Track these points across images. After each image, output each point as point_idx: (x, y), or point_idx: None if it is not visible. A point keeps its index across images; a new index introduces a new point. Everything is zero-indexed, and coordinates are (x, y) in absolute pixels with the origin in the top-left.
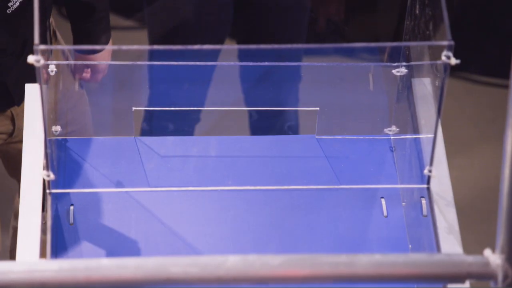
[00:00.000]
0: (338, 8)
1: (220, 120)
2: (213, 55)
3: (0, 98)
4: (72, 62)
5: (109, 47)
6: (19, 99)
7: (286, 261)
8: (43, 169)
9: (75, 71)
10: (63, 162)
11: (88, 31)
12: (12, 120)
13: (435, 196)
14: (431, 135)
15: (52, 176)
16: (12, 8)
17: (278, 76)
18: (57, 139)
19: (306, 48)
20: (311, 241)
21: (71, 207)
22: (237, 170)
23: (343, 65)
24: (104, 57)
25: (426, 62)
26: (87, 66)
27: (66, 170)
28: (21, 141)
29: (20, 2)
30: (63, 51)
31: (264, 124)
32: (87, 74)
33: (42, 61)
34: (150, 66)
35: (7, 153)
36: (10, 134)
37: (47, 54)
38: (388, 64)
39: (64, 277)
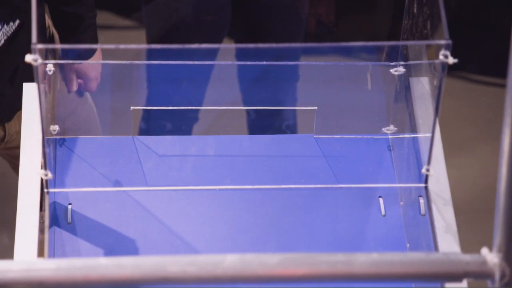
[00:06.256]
0: (328, 9)
1: (218, 119)
2: (211, 54)
3: None
4: (70, 61)
5: (107, 46)
6: (11, 117)
7: (284, 260)
8: (41, 168)
9: (67, 81)
10: (61, 161)
11: (76, 40)
12: (3, 126)
13: (433, 195)
14: (429, 134)
15: (50, 175)
16: None
17: (276, 75)
18: (55, 138)
19: (304, 47)
20: (309, 240)
21: (69, 206)
22: (235, 169)
23: (341, 64)
24: (94, 65)
25: (424, 61)
26: (78, 76)
27: (64, 169)
28: (16, 147)
29: (4, 40)
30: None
31: (262, 123)
32: (80, 83)
33: (39, 60)
34: (148, 66)
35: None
36: (1, 140)
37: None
38: (386, 63)
39: (62, 276)
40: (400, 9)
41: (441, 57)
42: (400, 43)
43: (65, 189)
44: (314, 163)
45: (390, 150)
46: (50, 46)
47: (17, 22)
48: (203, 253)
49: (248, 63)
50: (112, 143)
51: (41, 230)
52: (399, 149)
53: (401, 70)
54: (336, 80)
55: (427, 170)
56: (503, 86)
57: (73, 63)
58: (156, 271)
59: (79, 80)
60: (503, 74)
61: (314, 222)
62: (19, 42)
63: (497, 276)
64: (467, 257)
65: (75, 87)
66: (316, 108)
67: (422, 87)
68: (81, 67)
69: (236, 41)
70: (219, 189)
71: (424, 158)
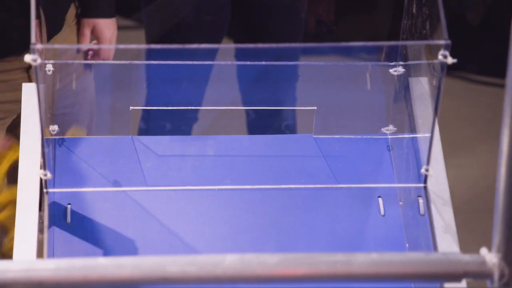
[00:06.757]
0: (328, 9)
1: (217, 119)
2: (211, 54)
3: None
4: (70, 61)
5: (106, 46)
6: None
7: (284, 260)
8: (40, 168)
9: (80, 36)
10: (60, 161)
11: None
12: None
13: (432, 195)
14: (428, 134)
15: (49, 175)
16: None
17: (276, 75)
18: (54, 138)
19: (303, 47)
20: (308, 240)
21: (68, 206)
22: (235, 169)
23: (340, 64)
24: (107, 24)
25: (423, 61)
26: (93, 38)
27: (63, 169)
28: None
29: None
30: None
31: (262, 123)
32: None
33: (39, 60)
34: (148, 66)
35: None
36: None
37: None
38: (386, 63)
39: (62, 276)
40: (400, 9)
41: (440, 57)
42: (400, 43)
43: (64, 189)
44: (314, 163)
45: (389, 150)
46: (49, 46)
47: None
48: (203, 253)
49: (248, 63)
50: (111, 143)
51: (41, 230)
52: (398, 149)
53: (400, 70)
54: (335, 80)
55: (427, 170)
56: (503, 86)
57: (73, 63)
58: (155, 271)
59: (94, 43)
60: (503, 74)
61: (314, 222)
62: None
63: (496, 276)
64: (466, 257)
65: (87, 41)
66: (316, 108)
67: (422, 87)
68: (98, 24)
69: (236, 41)
70: (219, 189)
71: (424, 158)
